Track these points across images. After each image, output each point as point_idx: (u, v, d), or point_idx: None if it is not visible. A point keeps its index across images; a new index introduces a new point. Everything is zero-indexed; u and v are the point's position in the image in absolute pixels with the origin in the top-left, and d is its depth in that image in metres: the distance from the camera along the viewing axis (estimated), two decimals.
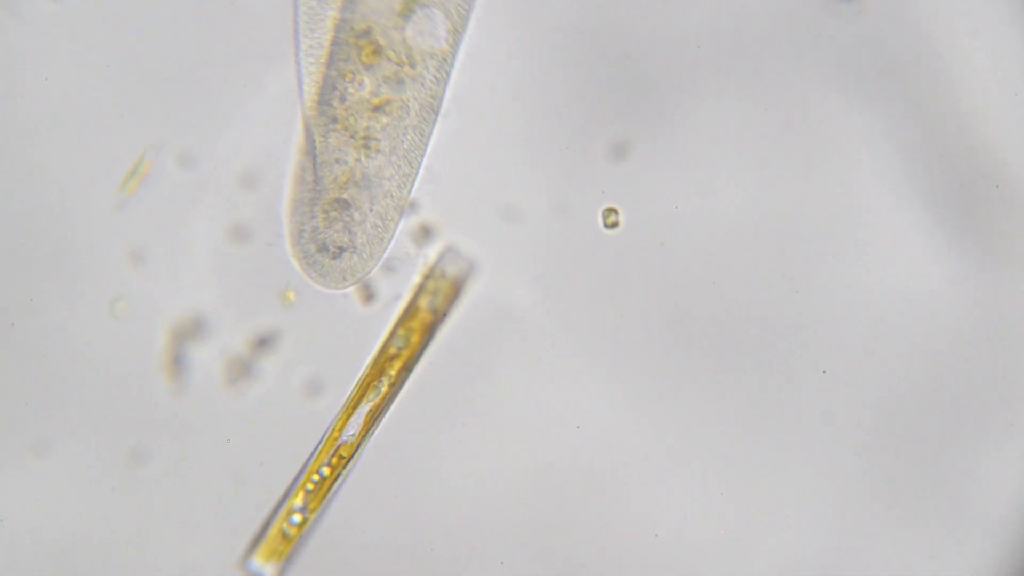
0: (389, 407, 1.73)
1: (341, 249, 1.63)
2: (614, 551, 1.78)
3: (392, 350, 1.70)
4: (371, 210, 1.64)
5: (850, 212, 1.79)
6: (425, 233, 1.74)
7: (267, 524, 1.72)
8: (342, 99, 1.63)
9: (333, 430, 1.72)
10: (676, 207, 1.78)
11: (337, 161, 1.63)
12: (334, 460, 1.71)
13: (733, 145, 1.78)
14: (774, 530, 1.79)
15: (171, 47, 1.75)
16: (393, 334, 1.71)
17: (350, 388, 1.73)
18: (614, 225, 1.66)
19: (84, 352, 1.75)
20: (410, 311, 1.70)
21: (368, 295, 1.72)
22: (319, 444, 1.72)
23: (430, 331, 1.71)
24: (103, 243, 1.75)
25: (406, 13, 1.60)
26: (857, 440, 1.79)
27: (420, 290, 1.70)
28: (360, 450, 1.72)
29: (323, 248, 1.64)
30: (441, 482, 1.78)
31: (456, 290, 1.70)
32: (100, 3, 1.75)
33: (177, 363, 1.75)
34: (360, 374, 1.73)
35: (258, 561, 1.72)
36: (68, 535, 1.76)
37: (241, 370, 1.75)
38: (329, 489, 1.72)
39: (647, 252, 1.78)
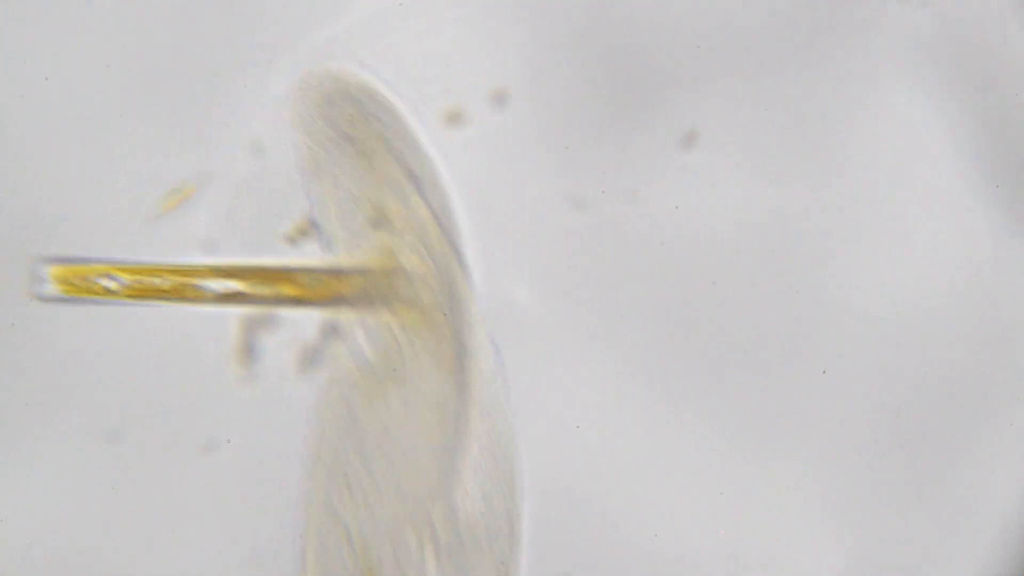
0: (248, 305, 1.74)
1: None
2: (614, 551, 1.78)
3: (303, 277, 1.72)
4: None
5: (848, 213, 1.79)
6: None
7: (90, 260, 1.73)
8: None
9: (199, 271, 1.72)
10: (676, 207, 1.78)
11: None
12: (176, 286, 1.72)
13: (736, 144, 1.78)
14: (774, 530, 1.79)
15: (171, 46, 1.76)
16: (318, 272, 1.73)
17: (244, 262, 1.74)
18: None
19: (84, 350, 1.76)
20: (343, 275, 1.73)
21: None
22: (181, 265, 1.73)
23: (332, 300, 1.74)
24: (104, 242, 1.75)
25: None
26: (857, 440, 1.79)
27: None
28: (193, 302, 1.73)
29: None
30: None
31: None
32: (99, 2, 1.76)
33: (249, 352, 1.75)
34: (255, 263, 1.73)
35: (53, 274, 1.73)
36: (67, 535, 1.76)
37: (311, 357, 1.75)
38: (147, 298, 1.72)
39: (647, 252, 1.78)
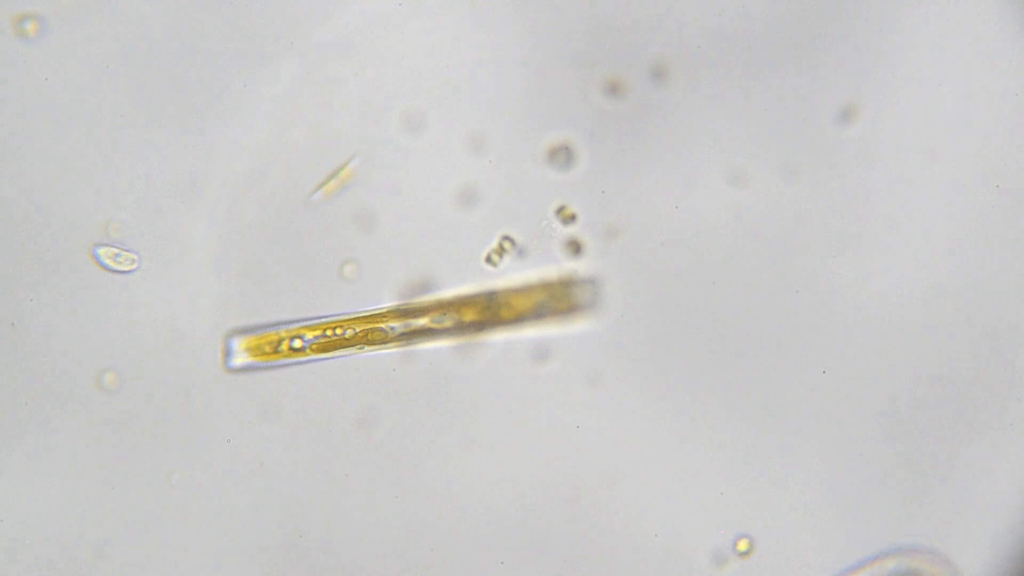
0: (433, 340, 1.73)
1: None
2: (613, 550, 1.78)
3: (482, 302, 1.71)
4: None
5: (848, 213, 1.79)
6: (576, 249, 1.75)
7: (276, 326, 1.73)
8: None
9: (386, 313, 1.72)
10: (676, 207, 1.78)
11: None
12: (360, 334, 1.71)
13: (736, 143, 1.78)
14: (774, 530, 1.79)
15: (169, 46, 1.76)
16: (496, 295, 1.72)
17: (429, 298, 1.73)
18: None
19: (81, 351, 1.76)
20: (524, 292, 1.71)
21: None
22: (365, 311, 1.72)
23: (519, 318, 1.72)
24: (105, 242, 1.76)
25: None
26: (858, 440, 1.79)
27: (547, 286, 1.72)
28: (383, 348, 1.72)
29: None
30: (439, 481, 1.78)
31: (569, 310, 1.72)
32: (98, 2, 1.76)
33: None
34: (445, 296, 1.72)
35: (241, 344, 1.73)
36: (65, 536, 1.77)
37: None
38: (335, 350, 1.72)
39: (647, 252, 1.78)
